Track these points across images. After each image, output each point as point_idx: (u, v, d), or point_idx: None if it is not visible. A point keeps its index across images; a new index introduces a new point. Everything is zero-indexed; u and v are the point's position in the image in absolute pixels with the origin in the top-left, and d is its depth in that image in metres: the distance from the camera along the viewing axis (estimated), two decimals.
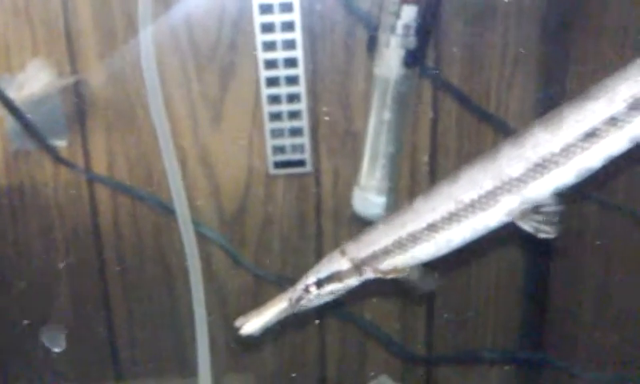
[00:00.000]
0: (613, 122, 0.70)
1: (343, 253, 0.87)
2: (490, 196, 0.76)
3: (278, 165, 1.37)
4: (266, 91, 1.31)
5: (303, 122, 1.33)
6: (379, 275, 0.86)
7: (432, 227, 0.80)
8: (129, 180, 1.43)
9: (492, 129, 1.39)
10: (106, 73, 1.37)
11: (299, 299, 0.88)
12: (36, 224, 1.47)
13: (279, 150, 1.36)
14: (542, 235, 0.76)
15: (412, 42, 1.14)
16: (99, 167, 1.43)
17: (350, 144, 1.37)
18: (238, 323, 0.88)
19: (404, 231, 0.82)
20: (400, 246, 0.83)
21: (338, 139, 1.39)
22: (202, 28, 1.33)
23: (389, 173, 1.21)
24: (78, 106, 1.41)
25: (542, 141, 0.73)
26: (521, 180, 0.74)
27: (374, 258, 0.85)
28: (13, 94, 1.32)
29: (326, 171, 1.41)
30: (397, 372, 1.57)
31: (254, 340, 0.90)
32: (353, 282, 0.88)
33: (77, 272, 1.50)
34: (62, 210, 1.46)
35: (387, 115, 1.17)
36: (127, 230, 1.48)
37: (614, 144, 0.71)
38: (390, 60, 1.14)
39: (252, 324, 0.88)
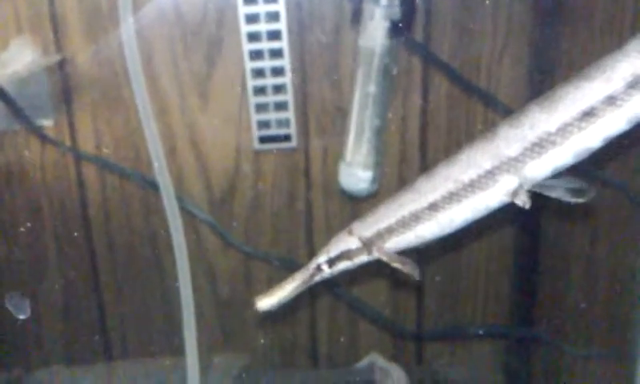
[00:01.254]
0: (611, 100, 0.69)
1: (351, 232, 0.91)
2: (489, 176, 0.77)
3: (264, 140, 1.36)
4: (249, 65, 1.29)
5: (288, 97, 1.31)
6: (385, 259, 0.88)
7: (433, 206, 0.82)
8: (116, 159, 1.42)
9: (482, 105, 1.38)
10: (91, 51, 1.36)
11: (312, 276, 0.92)
12: (24, 204, 1.47)
13: (264, 124, 1.34)
14: (568, 200, 0.77)
15: (396, 13, 1.13)
16: (86, 146, 1.42)
17: (339, 120, 1.36)
18: (256, 300, 0.93)
19: (406, 210, 0.85)
20: (403, 224, 0.85)
21: (327, 115, 1.38)
22: (188, 4, 1.32)
23: (375, 147, 1.19)
24: (63, 85, 1.39)
25: (539, 120, 0.73)
26: (519, 160, 0.75)
27: (379, 236, 0.88)
28: None
29: (314, 147, 1.40)
30: (388, 350, 1.57)
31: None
32: (362, 259, 0.91)
33: (65, 252, 1.50)
34: (49, 190, 1.46)
35: (372, 88, 1.15)
36: (115, 209, 1.47)
37: (613, 124, 0.71)
38: (375, 32, 1.13)
39: (269, 300, 0.92)
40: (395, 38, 1.14)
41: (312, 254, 1.48)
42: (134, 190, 1.45)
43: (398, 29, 1.12)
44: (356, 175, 1.20)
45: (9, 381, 1.56)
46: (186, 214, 1.42)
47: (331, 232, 1.47)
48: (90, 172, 1.45)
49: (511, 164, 0.75)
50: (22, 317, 1.16)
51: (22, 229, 1.48)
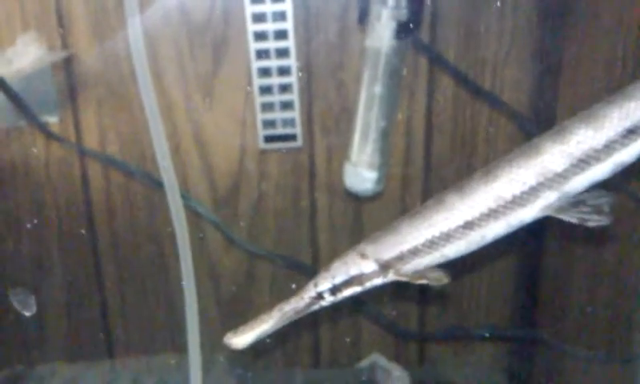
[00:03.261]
0: None
1: (363, 255, 0.83)
2: (531, 192, 0.77)
3: (269, 139, 1.36)
4: (255, 64, 1.29)
5: (294, 96, 1.32)
6: (405, 279, 0.83)
7: (469, 225, 0.79)
8: (121, 157, 1.42)
9: (487, 107, 1.38)
10: (97, 48, 1.36)
11: (309, 306, 0.84)
12: (28, 201, 1.47)
13: (270, 124, 1.34)
14: (591, 224, 0.79)
15: (404, 14, 1.13)
16: (91, 144, 1.42)
17: (344, 120, 1.36)
18: (226, 339, 0.83)
19: (436, 230, 0.80)
20: (431, 245, 0.81)
21: (332, 115, 1.38)
22: (195, 2, 1.32)
23: (380, 147, 1.19)
24: (69, 82, 1.39)
25: (585, 137, 0.76)
26: (562, 175, 0.77)
27: (401, 258, 0.82)
28: (1, 70, 1.31)
29: (319, 147, 1.40)
30: (390, 350, 1.57)
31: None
32: (375, 283, 0.84)
33: (69, 249, 1.50)
34: (54, 187, 1.46)
35: (378, 89, 1.15)
36: (119, 207, 1.47)
37: None
38: (382, 32, 1.13)
39: (245, 336, 0.82)
40: (402, 39, 1.14)
41: (316, 253, 1.50)
42: (139, 188, 1.45)
43: (405, 30, 1.12)
44: (361, 175, 1.20)
45: (11, 377, 1.56)
46: (191, 212, 1.42)
47: (335, 232, 1.49)
48: (94, 170, 1.45)
49: (555, 179, 0.77)
50: (27, 313, 1.14)
51: (26, 225, 1.48)
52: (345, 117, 1.35)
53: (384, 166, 1.22)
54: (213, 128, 1.40)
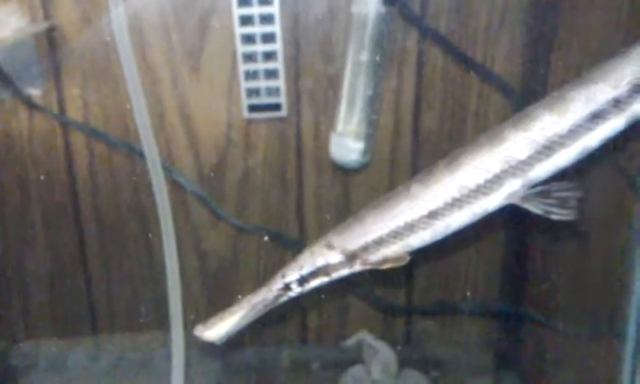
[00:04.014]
0: (617, 103, 0.74)
1: (330, 246, 0.83)
2: (496, 180, 0.76)
3: (253, 108, 1.33)
4: (239, 30, 1.26)
5: (278, 64, 1.29)
6: (370, 267, 0.83)
7: (433, 214, 0.79)
8: (104, 129, 1.40)
9: (477, 78, 1.36)
10: (80, 18, 1.33)
11: (277, 298, 0.84)
12: (11, 174, 1.45)
13: (254, 92, 1.32)
14: (555, 217, 0.78)
15: None
16: (74, 117, 1.40)
17: (330, 89, 1.33)
18: (197, 331, 0.83)
19: (401, 220, 0.80)
20: (396, 235, 0.81)
21: (318, 84, 1.35)
22: None
23: (367, 117, 1.17)
24: (51, 54, 1.36)
25: (550, 123, 0.75)
26: (527, 162, 0.76)
27: (366, 248, 0.83)
28: None
29: (305, 117, 1.38)
30: (377, 328, 1.56)
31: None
32: (342, 273, 0.85)
33: (52, 222, 1.48)
34: (37, 160, 1.43)
35: (365, 56, 1.13)
36: (103, 180, 1.45)
37: (615, 124, 0.75)
38: None
39: (216, 330, 0.83)
40: (390, 5, 1.12)
41: (302, 226, 1.48)
42: (123, 161, 1.43)
43: None
44: (347, 146, 1.18)
45: None
46: (176, 186, 1.40)
47: (321, 204, 1.47)
48: (78, 142, 1.42)
49: (519, 167, 0.76)
50: None
51: (9, 199, 1.46)
52: (331, 86, 1.33)
53: (371, 137, 1.20)
54: (198, 100, 1.37)
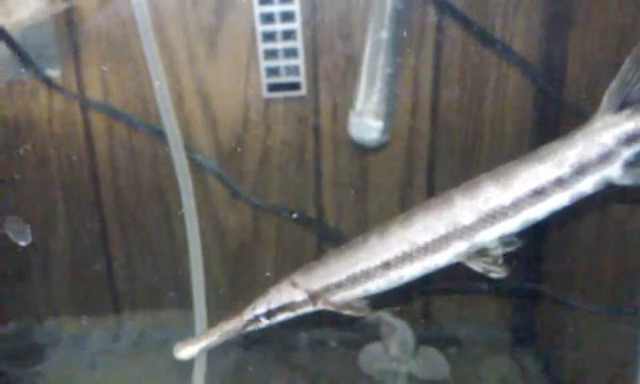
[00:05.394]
0: (559, 183, 0.78)
1: (295, 284, 0.91)
2: (443, 240, 0.83)
3: (273, 87, 1.33)
4: (258, 9, 1.26)
5: (298, 43, 1.29)
6: (332, 309, 0.90)
7: (386, 265, 0.86)
8: (124, 110, 1.41)
9: (496, 56, 1.35)
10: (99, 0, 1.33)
11: (246, 326, 0.92)
12: (32, 154, 1.46)
13: (273, 72, 1.32)
14: (492, 275, 0.84)
15: None
16: (94, 97, 1.41)
17: (350, 68, 1.33)
18: (175, 349, 0.91)
19: (358, 268, 0.87)
20: (354, 280, 0.88)
21: (337, 63, 1.35)
22: None
23: (386, 96, 1.17)
24: (70, 35, 1.37)
25: (494, 195, 0.80)
26: (472, 228, 0.82)
27: (327, 290, 0.90)
28: (1, 20, 1.29)
29: (324, 96, 1.38)
30: (394, 305, 1.57)
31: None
32: (306, 310, 0.92)
33: (73, 202, 1.50)
34: (57, 141, 1.45)
35: (384, 34, 1.12)
36: (123, 160, 1.46)
37: (558, 201, 0.80)
38: None
39: (190, 348, 0.91)
40: None
41: (320, 205, 1.49)
42: (143, 142, 1.44)
43: None
44: (366, 125, 1.18)
45: (19, 330, 1.58)
46: (195, 165, 1.41)
47: (339, 183, 1.47)
48: (97, 123, 1.44)
49: (464, 231, 0.82)
50: (22, 243, 1.13)
51: (30, 179, 1.48)
52: (350, 65, 1.33)
53: (390, 116, 1.20)
54: (216, 79, 1.38)
